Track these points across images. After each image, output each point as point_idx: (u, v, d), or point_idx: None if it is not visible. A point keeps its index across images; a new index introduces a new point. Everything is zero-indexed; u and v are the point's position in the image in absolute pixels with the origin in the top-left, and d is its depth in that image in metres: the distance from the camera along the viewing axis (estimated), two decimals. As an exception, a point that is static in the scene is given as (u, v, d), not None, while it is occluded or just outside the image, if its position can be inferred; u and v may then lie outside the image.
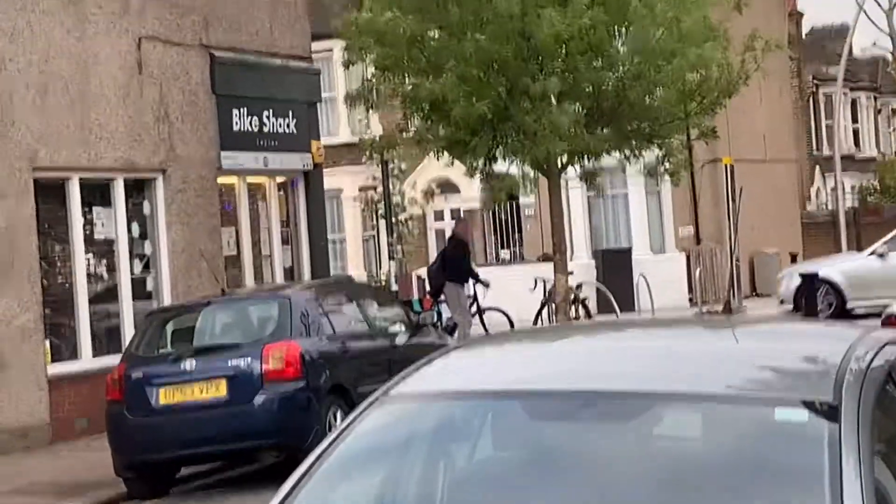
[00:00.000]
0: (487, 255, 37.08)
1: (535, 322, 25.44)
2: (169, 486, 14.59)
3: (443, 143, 20.75)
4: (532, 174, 21.44)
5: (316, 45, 25.25)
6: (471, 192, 36.47)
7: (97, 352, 18.57)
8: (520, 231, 36.91)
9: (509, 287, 26.97)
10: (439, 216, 38.54)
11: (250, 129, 21.53)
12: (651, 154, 21.63)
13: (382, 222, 30.76)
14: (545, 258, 29.99)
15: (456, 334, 22.62)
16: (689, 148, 27.74)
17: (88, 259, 18.88)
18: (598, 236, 34.07)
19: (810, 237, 42.08)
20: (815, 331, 5.53)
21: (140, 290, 19.60)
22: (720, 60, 20.22)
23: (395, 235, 28.85)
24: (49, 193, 18.35)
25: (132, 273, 19.45)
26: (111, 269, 19.26)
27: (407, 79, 20.59)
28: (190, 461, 14.67)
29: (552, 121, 19.06)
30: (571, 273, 23.09)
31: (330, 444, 4.42)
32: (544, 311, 25.56)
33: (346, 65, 21.34)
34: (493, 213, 36.92)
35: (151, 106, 19.68)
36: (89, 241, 18.88)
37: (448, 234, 28.76)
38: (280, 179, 22.87)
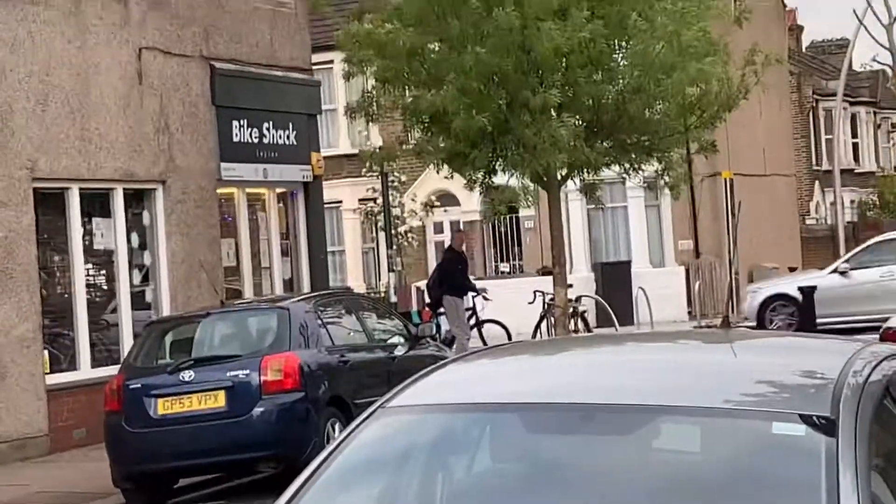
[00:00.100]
0: (487, 267, 37.07)
1: (534, 335, 25.43)
2: (167, 497, 14.60)
3: (443, 155, 20.72)
4: (532, 187, 21.42)
5: (316, 57, 25.30)
6: (471, 205, 36.49)
7: (96, 362, 18.56)
8: (519, 244, 36.90)
9: (509, 300, 26.96)
10: (439, 228, 38.51)
11: (250, 140, 21.55)
12: (651, 167, 21.63)
13: (382, 234, 30.73)
14: (545, 271, 29.98)
15: (454, 347, 22.61)
16: (689, 162, 27.73)
17: (88, 269, 18.87)
18: (598, 249, 34.04)
19: (809, 251, 42.13)
20: (813, 345, 5.52)
21: (139, 301, 19.59)
22: (720, 74, 20.22)
23: (394, 247, 28.82)
24: (49, 203, 18.34)
25: (131, 283, 19.44)
26: (110, 279, 19.26)
27: (407, 91, 20.58)
28: (188, 472, 14.66)
29: (552, 134, 19.04)
30: (571, 286, 23.07)
31: (328, 456, 4.42)
32: (543, 324, 25.56)
33: (347, 77, 21.33)
34: (493, 226, 36.90)
35: (151, 117, 19.69)
36: (89, 251, 18.88)
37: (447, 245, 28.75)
38: (280, 191, 22.87)
